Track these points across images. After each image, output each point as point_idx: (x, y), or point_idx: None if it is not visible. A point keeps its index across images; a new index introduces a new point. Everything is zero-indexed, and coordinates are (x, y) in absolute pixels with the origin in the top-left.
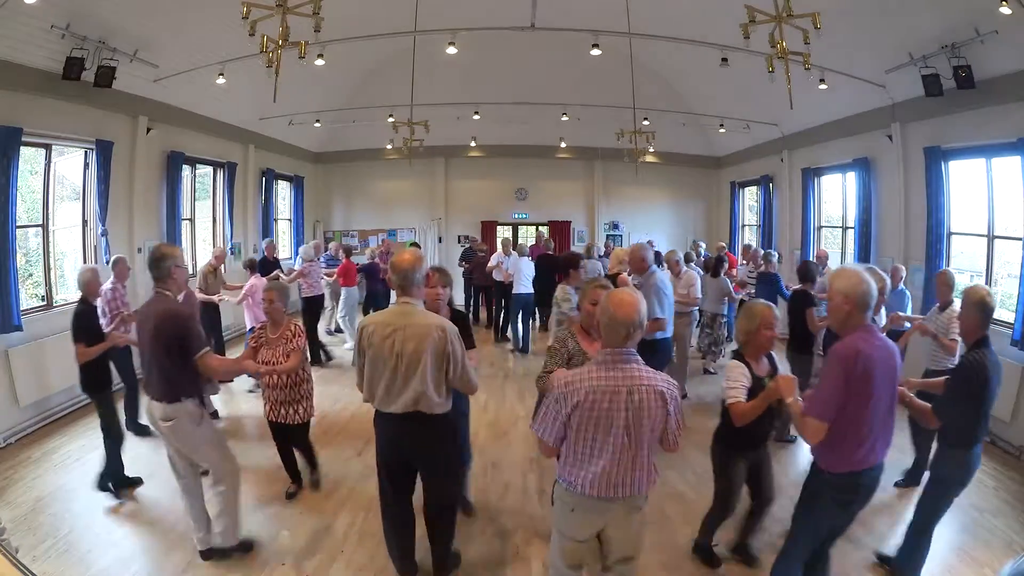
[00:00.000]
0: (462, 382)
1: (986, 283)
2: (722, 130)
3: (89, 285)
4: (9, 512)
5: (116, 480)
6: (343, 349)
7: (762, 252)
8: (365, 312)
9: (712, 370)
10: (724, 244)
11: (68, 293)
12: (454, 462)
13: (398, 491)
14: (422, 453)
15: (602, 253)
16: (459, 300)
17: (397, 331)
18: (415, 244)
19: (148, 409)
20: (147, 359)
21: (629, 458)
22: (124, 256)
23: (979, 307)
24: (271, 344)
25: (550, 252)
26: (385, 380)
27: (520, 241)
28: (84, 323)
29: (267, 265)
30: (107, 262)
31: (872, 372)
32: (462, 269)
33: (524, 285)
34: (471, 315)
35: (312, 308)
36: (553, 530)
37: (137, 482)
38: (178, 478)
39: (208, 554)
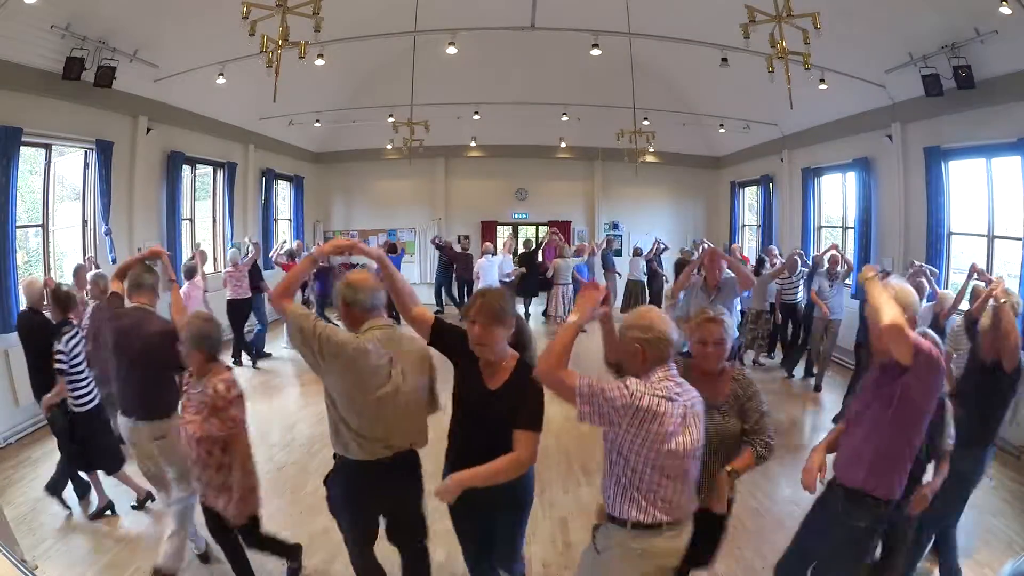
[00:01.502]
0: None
1: (986, 283)
2: (722, 130)
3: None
4: (9, 512)
5: (56, 489)
6: (280, 347)
7: (799, 254)
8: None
9: (762, 361)
10: (739, 245)
11: None
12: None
13: (369, 549)
14: (405, 495)
15: (579, 251)
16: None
17: (394, 360)
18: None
19: (131, 433)
20: (133, 377)
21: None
22: (84, 264)
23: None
24: (191, 397)
25: (527, 250)
26: (381, 421)
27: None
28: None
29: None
30: (112, 261)
31: None
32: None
33: (486, 281)
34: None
35: (235, 310)
36: None
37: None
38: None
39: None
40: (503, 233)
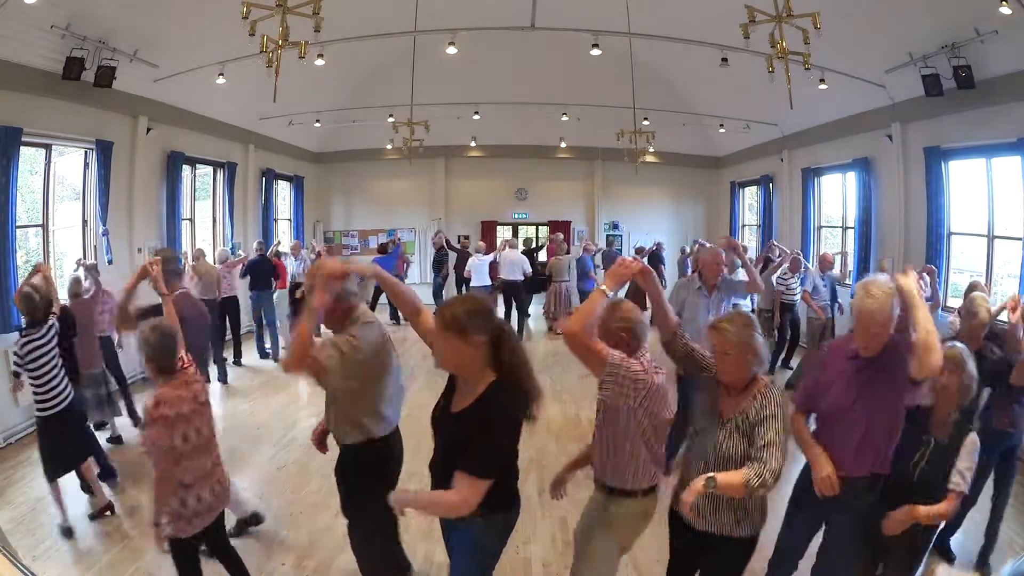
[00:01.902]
0: None
1: (986, 283)
2: (722, 130)
3: None
4: (9, 512)
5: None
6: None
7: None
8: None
9: None
10: (738, 241)
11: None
12: None
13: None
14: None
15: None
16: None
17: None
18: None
19: None
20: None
21: None
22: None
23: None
24: None
25: (527, 248)
26: (398, 391)
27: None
28: None
29: (262, 269)
30: (108, 262)
31: None
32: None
33: (477, 280)
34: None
35: (222, 310)
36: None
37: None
38: None
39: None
40: (503, 233)
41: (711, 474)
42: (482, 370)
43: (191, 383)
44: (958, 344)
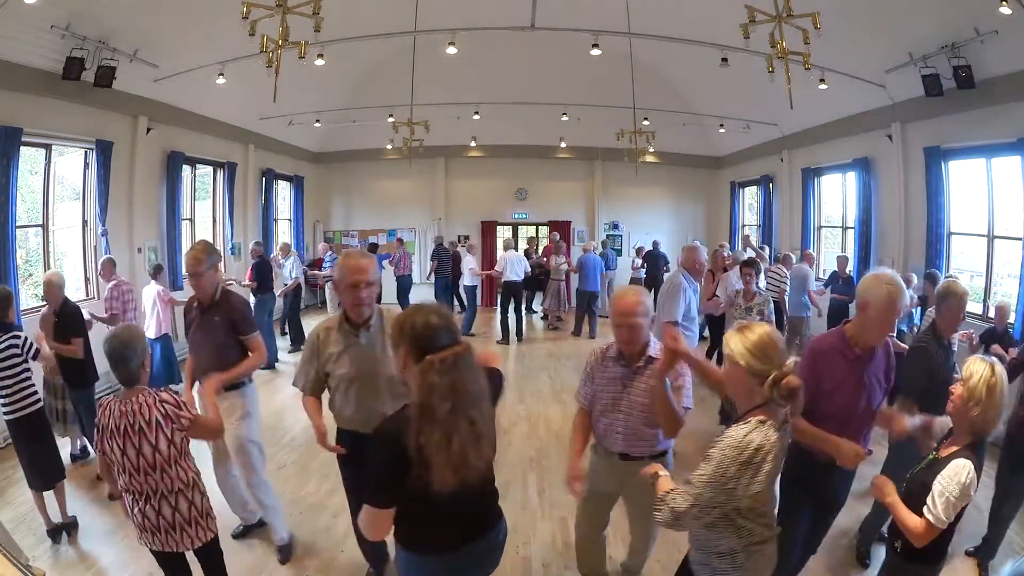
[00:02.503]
0: None
1: (986, 283)
2: (722, 130)
3: None
4: (9, 512)
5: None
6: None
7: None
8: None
9: None
10: (749, 235)
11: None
12: None
13: None
14: None
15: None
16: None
17: None
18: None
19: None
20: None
21: None
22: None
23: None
24: None
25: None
26: None
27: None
28: None
29: (266, 271)
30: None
31: None
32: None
33: (467, 279)
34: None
35: None
36: None
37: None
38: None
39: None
40: (503, 233)
41: (662, 472)
42: (412, 385)
43: (132, 403)
44: (981, 358)
